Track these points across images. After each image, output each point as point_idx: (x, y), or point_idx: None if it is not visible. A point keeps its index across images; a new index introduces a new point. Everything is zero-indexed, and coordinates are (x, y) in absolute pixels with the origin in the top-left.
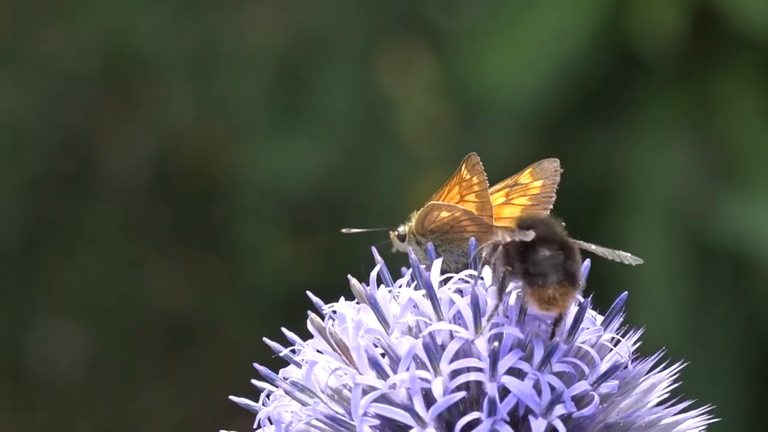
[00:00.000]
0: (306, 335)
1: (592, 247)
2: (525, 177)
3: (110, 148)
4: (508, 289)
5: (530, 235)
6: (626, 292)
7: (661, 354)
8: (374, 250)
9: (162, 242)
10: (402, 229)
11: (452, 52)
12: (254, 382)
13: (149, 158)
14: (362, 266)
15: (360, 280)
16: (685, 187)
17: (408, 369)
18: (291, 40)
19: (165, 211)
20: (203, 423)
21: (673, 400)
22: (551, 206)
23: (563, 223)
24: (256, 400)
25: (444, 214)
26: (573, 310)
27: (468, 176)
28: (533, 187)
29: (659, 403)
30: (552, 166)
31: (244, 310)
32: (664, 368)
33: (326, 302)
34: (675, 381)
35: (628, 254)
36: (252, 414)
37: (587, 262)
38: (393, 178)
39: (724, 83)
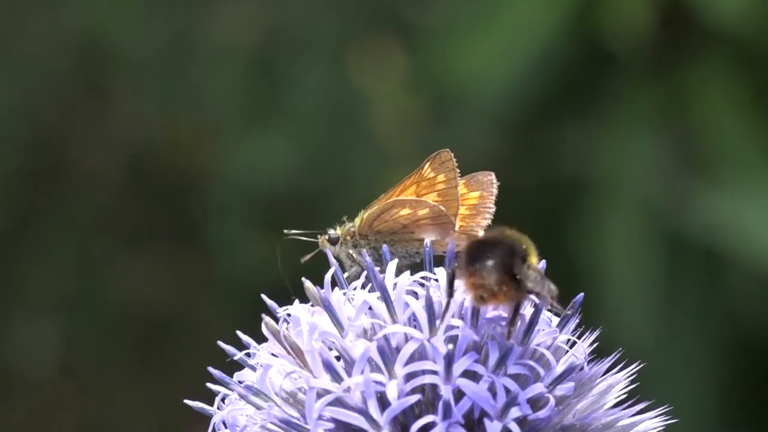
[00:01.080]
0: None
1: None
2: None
3: (84, 144)
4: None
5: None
6: (582, 294)
7: (618, 354)
8: (328, 252)
9: (137, 238)
10: (333, 232)
11: (425, 48)
12: (209, 385)
13: (123, 154)
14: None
15: (310, 282)
16: (659, 181)
17: (362, 372)
18: (264, 36)
19: (140, 207)
20: (180, 418)
21: (631, 401)
22: (491, 216)
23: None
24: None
25: (404, 212)
26: (528, 311)
27: (431, 174)
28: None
29: (616, 405)
30: (487, 179)
31: (219, 306)
32: (622, 369)
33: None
34: (635, 381)
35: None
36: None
37: (542, 263)
38: (366, 174)
39: (696, 77)
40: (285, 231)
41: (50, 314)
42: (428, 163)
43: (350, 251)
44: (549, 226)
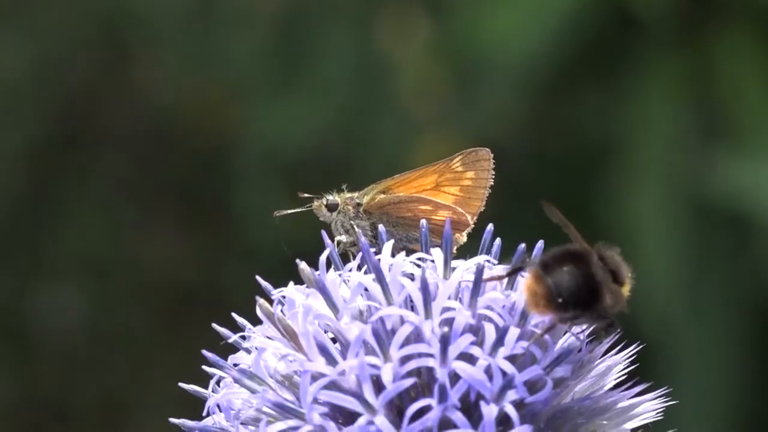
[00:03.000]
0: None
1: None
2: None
3: (110, 110)
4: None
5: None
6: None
7: (617, 335)
8: (324, 233)
9: (162, 205)
10: (332, 198)
11: (450, 13)
12: (205, 368)
13: (149, 120)
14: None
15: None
16: (684, 147)
17: (357, 355)
18: (289, 1)
19: (164, 173)
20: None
21: (630, 383)
22: (483, 202)
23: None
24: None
25: (423, 207)
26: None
27: (460, 168)
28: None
29: (616, 386)
30: (484, 156)
31: (244, 272)
32: (621, 350)
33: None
34: (632, 363)
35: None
36: None
37: (540, 243)
38: (391, 139)
39: (722, 43)
40: (276, 212)
41: (76, 281)
42: (460, 157)
43: (350, 222)
44: (573, 192)
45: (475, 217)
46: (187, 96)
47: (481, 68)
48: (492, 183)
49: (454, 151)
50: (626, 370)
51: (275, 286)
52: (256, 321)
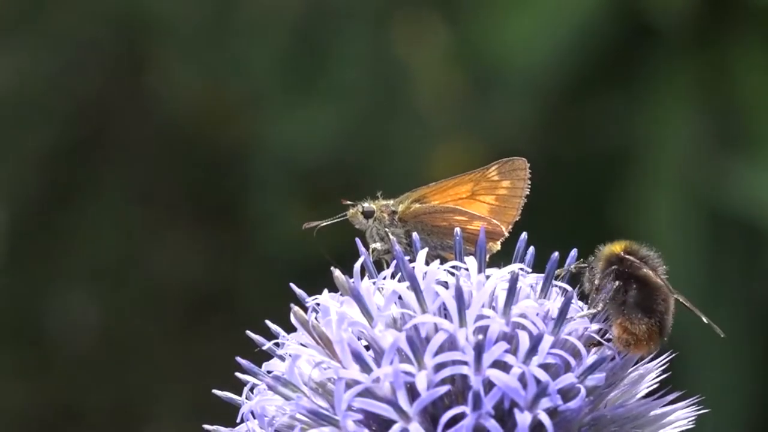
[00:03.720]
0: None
1: (688, 304)
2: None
3: (126, 116)
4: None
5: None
6: (616, 283)
7: None
8: (358, 241)
9: (177, 211)
10: (368, 205)
11: (467, 21)
12: (238, 375)
13: (164, 126)
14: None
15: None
16: (700, 155)
17: (392, 362)
18: (307, 6)
19: (180, 180)
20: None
21: (662, 392)
22: (519, 210)
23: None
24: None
25: (458, 217)
26: (558, 301)
27: (496, 177)
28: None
29: (648, 395)
30: (520, 166)
31: (259, 279)
32: (652, 359)
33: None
34: (664, 372)
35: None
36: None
37: (573, 252)
38: (408, 147)
39: (738, 51)
40: (305, 224)
41: (90, 286)
42: (496, 166)
43: (385, 229)
44: (589, 198)
45: (510, 226)
46: (204, 102)
47: (498, 75)
48: (528, 192)
49: (470, 158)
50: (658, 379)
51: (291, 293)
52: (278, 325)
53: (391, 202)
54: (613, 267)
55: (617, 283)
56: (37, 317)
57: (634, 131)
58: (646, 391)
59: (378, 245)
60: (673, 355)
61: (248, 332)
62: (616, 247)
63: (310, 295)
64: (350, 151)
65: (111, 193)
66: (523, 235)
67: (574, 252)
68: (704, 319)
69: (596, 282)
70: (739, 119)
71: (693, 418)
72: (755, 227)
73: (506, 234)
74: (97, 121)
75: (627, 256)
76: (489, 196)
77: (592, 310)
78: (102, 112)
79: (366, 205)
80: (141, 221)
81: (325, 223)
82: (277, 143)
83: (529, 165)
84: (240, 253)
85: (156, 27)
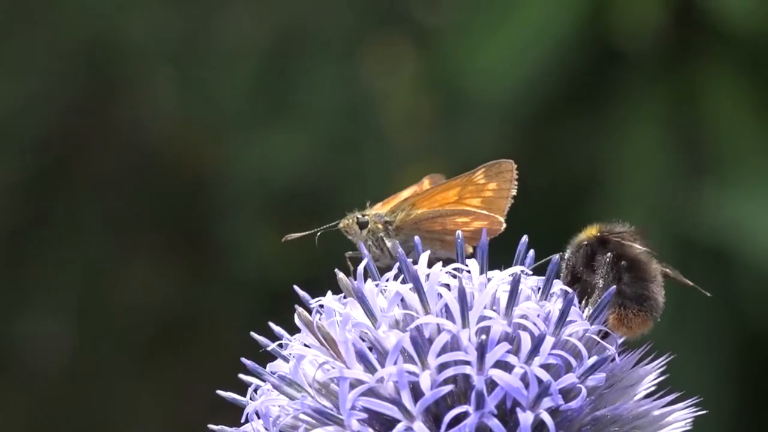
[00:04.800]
0: (292, 329)
1: (674, 273)
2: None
3: (94, 144)
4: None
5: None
6: (615, 287)
7: (648, 347)
8: (361, 245)
9: (147, 237)
10: (362, 216)
11: (436, 47)
12: (241, 376)
13: (134, 153)
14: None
15: (345, 273)
16: (669, 180)
17: (395, 362)
18: (276, 33)
19: (150, 206)
20: (187, 418)
21: (660, 393)
22: (505, 212)
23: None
24: (242, 395)
25: (460, 219)
26: (558, 303)
27: (482, 180)
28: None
29: (646, 396)
30: (507, 168)
31: (229, 305)
32: (651, 361)
33: (313, 296)
34: (662, 374)
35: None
36: (235, 409)
37: (555, 257)
38: (378, 172)
39: (707, 77)
40: (286, 237)
41: (60, 314)
42: (483, 170)
43: (382, 238)
44: (559, 224)
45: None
46: (173, 129)
47: (467, 101)
48: (514, 194)
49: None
50: (657, 381)
51: (261, 319)
52: (248, 350)
53: (383, 212)
54: (603, 255)
55: (611, 274)
56: (6, 344)
57: (603, 156)
58: (645, 392)
59: (378, 256)
60: (671, 357)
61: (253, 333)
62: (592, 231)
63: (282, 318)
64: (321, 176)
65: (81, 219)
66: (524, 238)
67: (555, 257)
68: (689, 283)
69: (582, 273)
70: (708, 144)
71: (691, 419)
72: (724, 252)
73: (501, 229)
74: (66, 148)
75: (609, 236)
76: (475, 199)
77: (591, 309)
78: (71, 139)
79: (359, 215)
80: (111, 247)
81: (300, 235)
82: (247, 169)
83: (516, 167)
84: (210, 278)
85: (126, 54)
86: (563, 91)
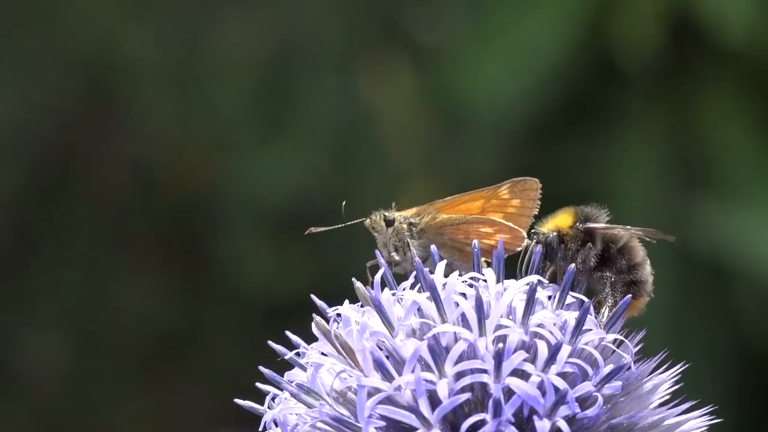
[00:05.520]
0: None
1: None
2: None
3: (92, 159)
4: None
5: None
6: (630, 296)
7: (663, 355)
8: (378, 254)
9: (145, 252)
10: (389, 214)
11: (434, 63)
12: (259, 385)
13: (132, 168)
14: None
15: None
16: (667, 197)
17: (413, 371)
18: (274, 50)
19: (148, 222)
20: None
21: (675, 401)
22: (526, 230)
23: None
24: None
25: (484, 229)
26: (575, 312)
27: (506, 196)
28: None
29: (662, 404)
30: (532, 186)
31: (227, 321)
32: (666, 370)
33: (309, 313)
34: (676, 382)
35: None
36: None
37: (571, 267)
38: (376, 188)
39: (705, 94)
40: (309, 230)
41: (58, 328)
42: (508, 185)
43: (406, 240)
44: None
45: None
46: (171, 144)
47: (466, 118)
48: (536, 212)
49: (437, 199)
50: (671, 389)
51: (259, 334)
52: (247, 365)
53: (409, 213)
54: (586, 244)
55: (608, 274)
56: (5, 357)
57: (601, 173)
58: (660, 400)
59: (395, 255)
60: (686, 366)
61: (270, 342)
62: (567, 219)
63: (281, 333)
64: (319, 192)
65: (80, 234)
66: (539, 248)
67: (572, 267)
68: (657, 233)
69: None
70: (706, 161)
71: (706, 427)
72: (722, 268)
73: (522, 245)
74: (65, 163)
75: (593, 227)
76: (498, 214)
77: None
78: (70, 155)
79: (387, 213)
80: (110, 262)
81: (325, 229)
82: (245, 185)
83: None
84: (209, 294)
85: (125, 70)
86: (561, 108)
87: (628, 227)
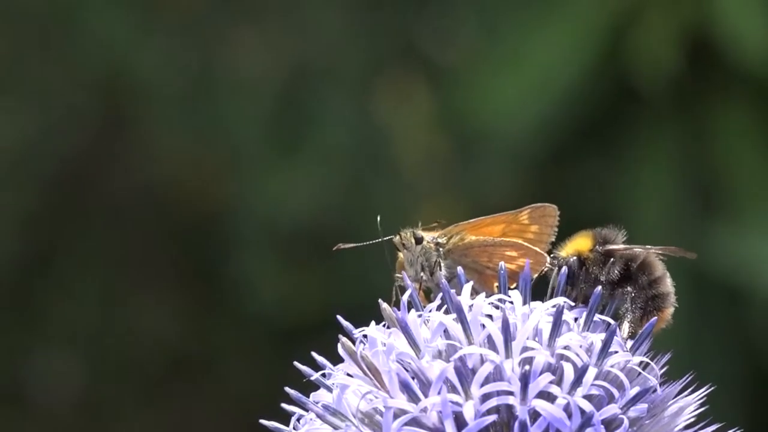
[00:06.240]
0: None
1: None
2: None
3: (107, 180)
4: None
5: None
6: (656, 318)
7: (690, 377)
8: (405, 275)
9: (158, 273)
10: (419, 232)
11: (450, 84)
12: (284, 405)
13: (145, 189)
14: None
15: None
16: (683, 219)
17: (439, 392)
18: (289, 71)
19: (161, 242)
20: None
21: (701, 424)
22: (544, 263)
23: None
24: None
25: (509, 253)
26: (601, 334)
27: (526, 221)
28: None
29: (686, 426)
30: (550, 213)
31: (241, 341)
32: (691, 392)
33: (322, 334)
34: (701, 405)
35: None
36: None
37: (598, 289)
38: (391, 210)
39: (721, 116)
40: (337, 246)
41: (70, 349)
42: (528, 210)
43: (436, 260)
44: None
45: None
46: (187, 163)
47: (481, 139)
48: (553, 240)
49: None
50: (696, 412)
51: (273, 356)
52: (256, 385)
53: (435, 234)
54: (607, 265)
55: (629, 289)
56: (15, 380)
57: (616, 195)
58: (685, 423)
59: (423, 275)
60: (712, 388)
61: (296, 363)
62: (586, 244)
63: (295, 354)
64: (333, 213)
65: (92, 254)
66: (564, 269)
67: (598, 289)
68: (678, 250)
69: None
70: (721, 182)
71: None
72: (737, 290)
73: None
74: (79, 185)
75: (613, 248)
76: (517, 239)
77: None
78: (83, 174)
79: (417, 231)
80: (122, 283)
81: (352, 245)
82: (259, 205)
83: (558, 213)
84: (222, 314)
85: (139, 89)
86: (577, 130)
87: (648, 246)
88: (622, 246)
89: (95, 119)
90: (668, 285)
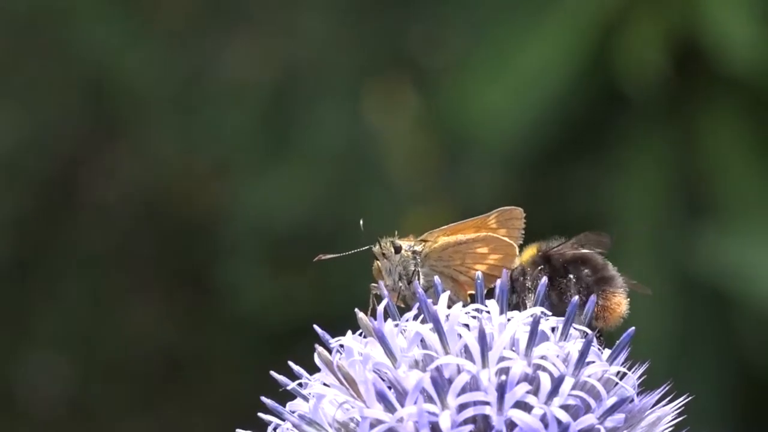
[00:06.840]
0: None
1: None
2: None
3: (96, 182)
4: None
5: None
6: (633, 328)
7: (666, 387)
8: (381, 285)
9: (147, 276)
10: (398, 241)
11: (438, 89)
12: (261, 415)
13: (135, 192)
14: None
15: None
16: (670, 222)
17: (416, 402)
18: (278, 76)
19: (151, 245)
20: None
21: None
22: (515, 258)
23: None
24: None
25: (481, 249)
26: (578, 344)
27: (494, 225)
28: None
29: None
30: (516, 215)
31: (228, 346)
32: (670, 401)
33: (310, 339)
34: (680, 414)
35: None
36: None
37: (575, 299)
38: (380, 214)
39: (708, 120)
40: (318, 257)
41: (59, 351)
42: (495, 214)
43: (413, 269)
44: None
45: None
46: (175, 168)
47: (470, 144)
48: (521, 242)
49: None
50: (674, 422)
51: (259, 360)
52: (244, 389)
53: (412, 241)
54: (545, 269)
55: (570, 276)
56: (6, 383)
57: (605, 199)
58: None
59: (400, 283)
60: (690, 398)
61: (272, 372)
62: (531, 252)
63: (283, 359)
64: (322, 217)
65: (82, 257)
66: (544, 280)
67: (575, 300)
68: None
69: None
70: (710, 188)
71: None
72: (724, 293)
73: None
74: (68, 188)
75: (546, 250)
76: (487, 233)
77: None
78: (73, 179)
79: (396, 240)
80: (112, 286)
81: (333, 256)
82: (248, 209)
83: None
84: (211, 318)
85: (129, 94)
86: (565, 134)
87: (572, 241)
88: (553, 246)
89: (86, 123)
90: (611, 270)
